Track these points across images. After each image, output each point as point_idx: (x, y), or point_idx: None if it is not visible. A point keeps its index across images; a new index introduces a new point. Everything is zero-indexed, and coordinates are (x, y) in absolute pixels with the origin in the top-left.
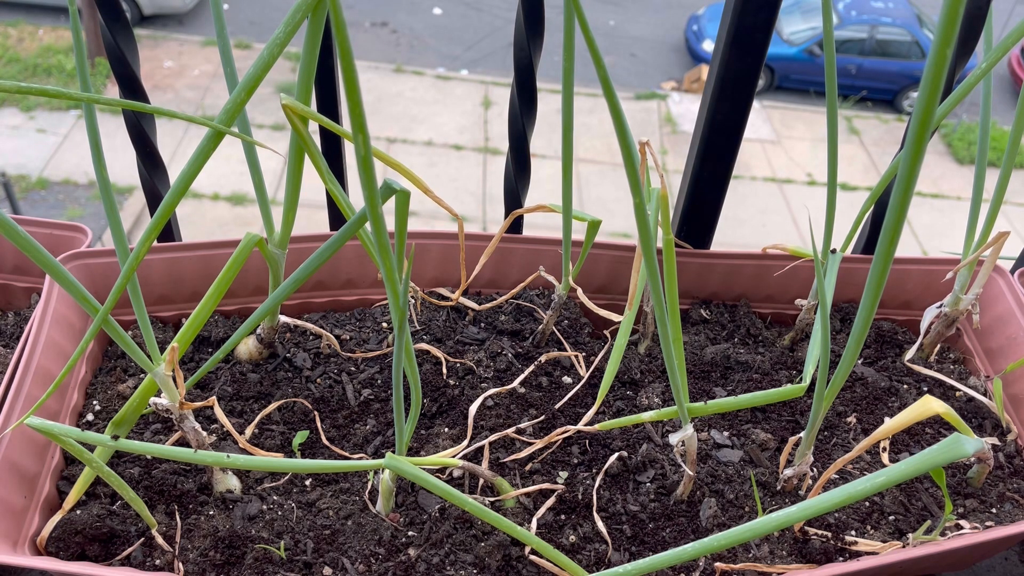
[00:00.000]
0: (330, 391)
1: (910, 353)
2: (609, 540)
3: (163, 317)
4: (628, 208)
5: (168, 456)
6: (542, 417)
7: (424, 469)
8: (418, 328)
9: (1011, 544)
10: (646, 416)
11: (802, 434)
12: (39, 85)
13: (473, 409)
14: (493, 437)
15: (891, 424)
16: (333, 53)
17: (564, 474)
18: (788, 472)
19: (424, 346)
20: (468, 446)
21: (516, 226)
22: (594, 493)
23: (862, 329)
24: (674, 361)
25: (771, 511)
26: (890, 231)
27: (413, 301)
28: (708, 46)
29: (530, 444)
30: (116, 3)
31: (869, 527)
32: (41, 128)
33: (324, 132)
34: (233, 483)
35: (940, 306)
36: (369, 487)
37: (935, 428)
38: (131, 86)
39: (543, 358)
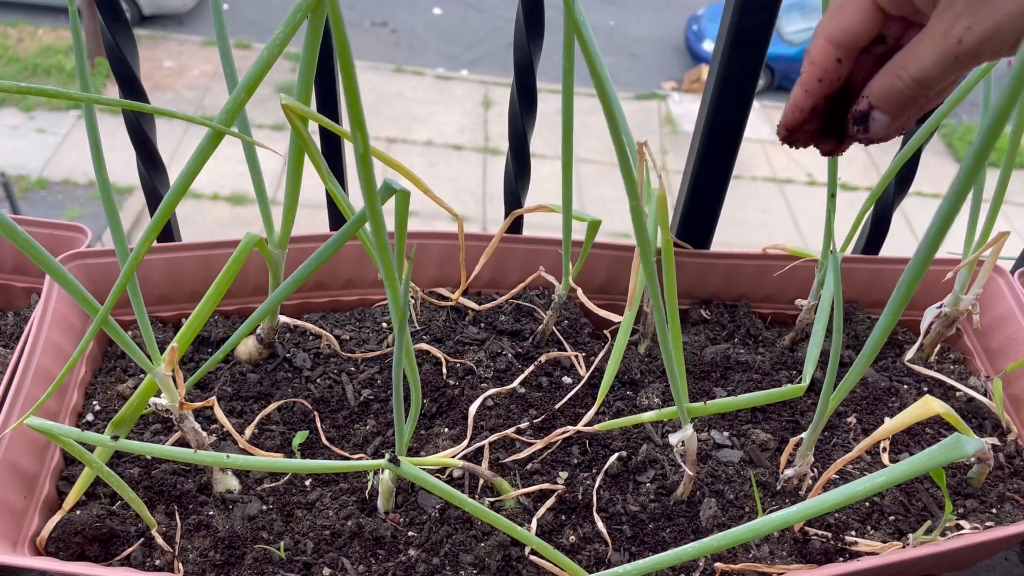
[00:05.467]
0: (330, 391)
1: (910, 353)
2: (609, 540)
3: (163, 317)
4: (628, 208)
5: (168, 456)
6: (542, 417)
7: (424, 469)
8: (418, 328)
9: (1011, 544)
10: (646, 416)
11: (803, 435)
12: (39, 85)
13: (473, 409)
14: (493, 437)
15: (891, 424)
16: (333, 54)
17: (564, 474)
18: (788, 472)
19: (424, 346)
20: (468, 446)
21: (516, 226)
22: (594, 493)
23: (880, 336)
24: (674, 361)
25: (771, 511)
26: (931, 239)
27: (413, 301)
28: (708, 46)
29: (530, 444)
30: (116, 3)
31: (869, 527)
32: (41, 128)
33: (324, 132)
34: (233, 483)
35: (940, 306)
36: (369, 487)
37: (935, 428)
38: (131, 86)
39: (543, 358)
